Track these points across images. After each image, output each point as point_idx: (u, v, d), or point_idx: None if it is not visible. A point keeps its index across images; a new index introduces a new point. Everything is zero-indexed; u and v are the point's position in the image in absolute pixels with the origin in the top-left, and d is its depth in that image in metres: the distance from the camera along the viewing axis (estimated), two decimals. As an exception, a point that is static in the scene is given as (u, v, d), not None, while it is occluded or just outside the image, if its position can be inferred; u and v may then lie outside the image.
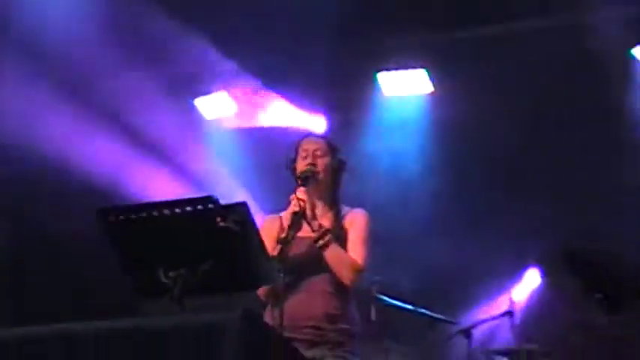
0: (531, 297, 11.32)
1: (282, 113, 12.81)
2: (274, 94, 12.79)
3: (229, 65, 12.43)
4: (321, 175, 7.33)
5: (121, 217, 5.81)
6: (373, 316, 8.65)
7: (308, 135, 7.80)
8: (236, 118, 13.19)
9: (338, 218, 7.38)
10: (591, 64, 10.66)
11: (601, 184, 10.59)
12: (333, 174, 7.43)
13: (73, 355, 4.40)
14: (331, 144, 7.59)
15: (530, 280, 11.46)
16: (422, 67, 12.10)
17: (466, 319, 9.71)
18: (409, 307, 8.94)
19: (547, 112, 11.03)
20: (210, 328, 4.05)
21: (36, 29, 11.51)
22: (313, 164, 7.31)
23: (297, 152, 7.49)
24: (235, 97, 13.12)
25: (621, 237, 9.55)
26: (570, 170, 10.78)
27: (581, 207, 10.57)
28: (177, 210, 5.91)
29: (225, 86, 13.02)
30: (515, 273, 11.44)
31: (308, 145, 7.46)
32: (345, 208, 7.45)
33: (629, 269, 7.27)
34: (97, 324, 4.47)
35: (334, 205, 7.43)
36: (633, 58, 10.85)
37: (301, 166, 7.35)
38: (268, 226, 7.33)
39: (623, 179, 10.41)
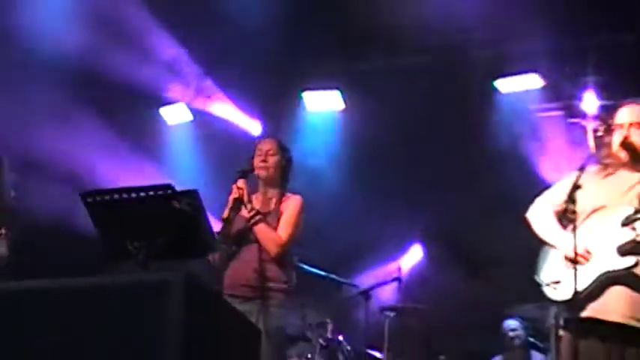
0: (415, 266, 11.37)
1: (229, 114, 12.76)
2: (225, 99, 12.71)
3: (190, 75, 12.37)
4: (271, 170, 7.47)
5: (98, 198, 5.89)
6: (294, 279, 8.69)
7: (264, 137, 8.00)
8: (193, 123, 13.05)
9: (279, 202, 7.46)
10: (464, 91, 10.80)
11: (467, 184, 10.67)
12: (281, 168, 7.53)
13: (44, 308, 4.32)
14: (282, 145, 7.68)
15: (415, 253, 11.49)
16: (337, 88, 12.15)
17: (365, 283, 9.70)
18: (322, 273, 8.99)
19: (430, 127, 11.14)
20: (159, 284, 4.02)
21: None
22: (265, 161, 7.42)
23: (254, 151, 7.52)
24: (192, 103, 12.93)
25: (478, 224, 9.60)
26: (446, 172, 10.86)
27: (453, 201, 10.66)
28: (142, 194, 6.01)
29: (185, 96, 12.82)
30: (402, 248, 11.46)
31: (262, 146, 7.55)
32: (288, 195, 7.53)
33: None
34: (66, 281, 4.44)
35: (280, 192, 7.52)
36: (495, 89, 10.98)
37: (256, 162, 7.45)
38: None
39: (482, 181, 10.52)
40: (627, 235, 5.92)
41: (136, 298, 4.05)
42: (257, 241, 7.32)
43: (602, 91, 9.67)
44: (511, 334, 9.45)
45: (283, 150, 7.64)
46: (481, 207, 10.39)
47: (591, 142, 6.25)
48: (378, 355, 8.74)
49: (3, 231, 7.39)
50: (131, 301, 4.05)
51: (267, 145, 7.59)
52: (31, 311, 4.21)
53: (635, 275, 5.89)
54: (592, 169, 6.19)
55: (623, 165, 6.20)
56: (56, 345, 4.13)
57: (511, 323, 9.41)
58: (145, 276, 4.55)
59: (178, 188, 5.98)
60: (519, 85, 11.28)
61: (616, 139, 6.19)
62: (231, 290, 7.23)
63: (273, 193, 7.50)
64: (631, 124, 6.19)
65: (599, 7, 9.83)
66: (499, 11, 9.92)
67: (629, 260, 5.88)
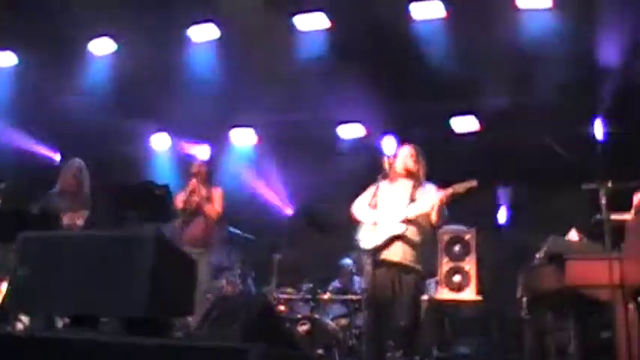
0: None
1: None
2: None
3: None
4: (203, 176, 7.79)
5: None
6: (224, 235, 8.60)
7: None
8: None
9: (210, 192, 7.76)
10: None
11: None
12: (207, 174, 7.89)
13: (78, 247, 4.25)
14: (208, 162, 8.29)
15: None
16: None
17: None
18: (239, 232, 8.84)
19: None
20: (136, 237, 4.07)
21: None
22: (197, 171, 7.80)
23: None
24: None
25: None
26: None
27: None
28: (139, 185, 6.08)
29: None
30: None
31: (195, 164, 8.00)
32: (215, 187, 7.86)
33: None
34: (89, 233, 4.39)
35: (211, 185, 7.82)
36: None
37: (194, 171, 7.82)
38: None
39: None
40: (402, 213, 6.33)
41: (128, 243, 4.09)
42: (202, 213, 7.60)
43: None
44: (344, 266, 9.46)
45: (209, 166, 8.07)
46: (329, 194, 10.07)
47: (386, 166, 6.44)
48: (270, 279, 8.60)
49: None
50: (125, 245, 4.10)
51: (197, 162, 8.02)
52: (70, 248, 4.21)
53: (406, 237, 6.27)
54: (386, 180, 6.49)
55: (402, 176, 6.53)
56: (83, 268, 4.14)
57: (346, 261, 9.46)
58: (133, 232, 4.58)
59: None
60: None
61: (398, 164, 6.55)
62: (187, 241, 7.46)
63: (208, 186, 7.79)
64: (405, 156, 6.54)
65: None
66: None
67: (402, 227, 6.23)
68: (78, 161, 7.77)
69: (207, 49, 9.61)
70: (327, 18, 9.18)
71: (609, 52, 8.51)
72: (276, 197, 11.21)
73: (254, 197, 11.03)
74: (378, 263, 6.17)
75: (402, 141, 6.98)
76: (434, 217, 6.26)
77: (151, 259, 3.91)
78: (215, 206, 7.63)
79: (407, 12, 8.82)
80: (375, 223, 6.16)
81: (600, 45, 8.49)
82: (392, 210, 6.30)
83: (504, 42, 8.69)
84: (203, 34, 9.56)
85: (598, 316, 6.74)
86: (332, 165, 10.42)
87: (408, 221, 6.25)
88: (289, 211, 11.45)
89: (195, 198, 7.55)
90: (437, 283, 8.35)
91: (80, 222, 7.31)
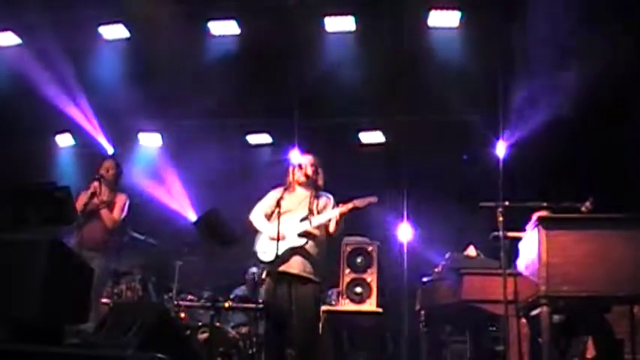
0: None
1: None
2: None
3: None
4: (110, 178, 7.62)
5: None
6: (125, 240, 8.33)
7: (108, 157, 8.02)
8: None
9: (114, 197, 7.61)
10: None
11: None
12: (115, 177, 7.72)
13: None
14: (119, 164, 7.83)
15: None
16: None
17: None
18: (142, 237, 8.60)
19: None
20: (30, 241, 3.96)
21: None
22: (106, 172, 7.63)
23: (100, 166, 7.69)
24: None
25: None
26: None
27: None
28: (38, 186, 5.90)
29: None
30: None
31: (105, 164, 7.73)
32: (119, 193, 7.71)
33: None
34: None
35: (116, 190, 7.66)
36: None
37: (103, 172, 7.59)
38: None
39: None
40: (302, 226, 6.29)
41: (21, 247, 3.98)
42: (100, 216, 7.45)
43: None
44: (250, 274, 9.31)
45: (119, 166, 7.77)
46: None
47: (290, 177, 6.46)
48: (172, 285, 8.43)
49: None
50: (18, 249, 3.99)
51: (108, 163, 7.73)
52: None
53: (304, 249, 6.25)
54: (285, 190, 6.45)
55: (301, 185, 6.52)
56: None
57: (252, 269, 9.31)
58: (28, 236, 4.43)
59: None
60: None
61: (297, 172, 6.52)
62: (84, 244, 7.18)
63: (113, 191, 7.65)
64: (305, 165, 6.51)
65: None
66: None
67: (302, 240, 6.23)
68: None
69: (116, 49, 9.45)
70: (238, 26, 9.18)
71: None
72: (180, 203, 11.05)
73: (157, 202, 10.75)
74: (277, 275, 6.16)
75: (307, 152, 6.92)
76: (331, 229, 6.32)
77: (44, 263, 3.81)
78: (114, 213, 7.52)
79: (321, 25, 8.93)
80: (273, 238, 6.09)
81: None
82: (290, 221, 6.26)
83: (413, 58, 8.88)
84: (112, 33, 9.40)
85: (493, 330, 6.95)
86: (240, 173, 10.38)
87: (307, 234, 6.26)
88: (193, 217, 11.24)
89: (95, 201, 7.42)
90: (338, 293, 8.40)
91: None
